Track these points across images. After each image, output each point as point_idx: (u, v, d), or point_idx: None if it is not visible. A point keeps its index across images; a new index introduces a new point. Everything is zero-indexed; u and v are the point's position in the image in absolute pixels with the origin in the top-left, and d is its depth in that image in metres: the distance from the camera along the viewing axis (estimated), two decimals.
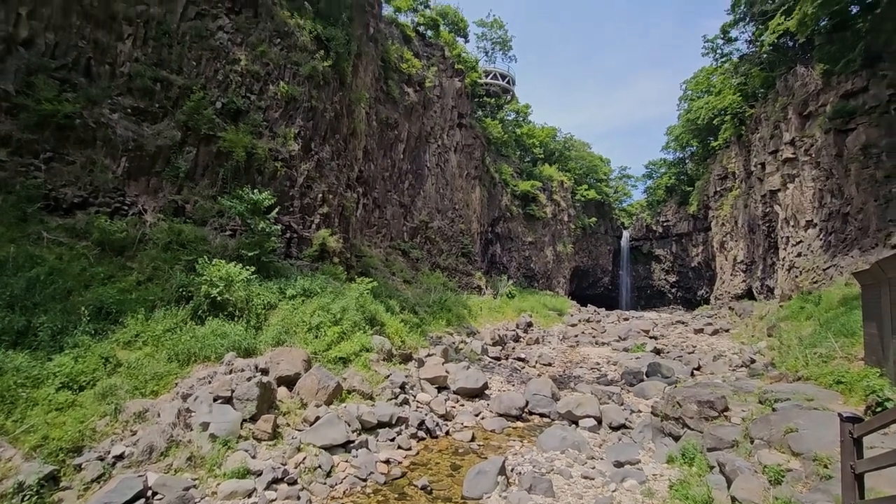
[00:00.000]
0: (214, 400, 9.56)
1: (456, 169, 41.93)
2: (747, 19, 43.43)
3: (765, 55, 39.79)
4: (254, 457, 8.69)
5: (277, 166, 18.14)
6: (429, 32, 42.19)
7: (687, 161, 67.13)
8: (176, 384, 10.11)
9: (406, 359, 15.02)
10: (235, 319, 12.56)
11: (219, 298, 12.27)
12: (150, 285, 12.65)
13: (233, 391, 9.80)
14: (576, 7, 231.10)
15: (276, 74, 19.97)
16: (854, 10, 29.57)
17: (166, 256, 13.63)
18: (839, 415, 4.66)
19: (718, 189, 51.09)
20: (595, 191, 69.62)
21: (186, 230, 14.76)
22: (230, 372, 10.58)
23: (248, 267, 13.59)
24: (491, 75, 56.07)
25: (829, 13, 28.76)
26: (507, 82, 57.63)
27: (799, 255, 31.34)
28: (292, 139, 19.33)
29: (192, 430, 8.89)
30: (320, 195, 19.89)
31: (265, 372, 11.14)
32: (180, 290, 12.41)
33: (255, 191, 15.76)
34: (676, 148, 67.40)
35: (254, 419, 9.63)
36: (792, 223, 32.98)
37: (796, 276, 30.14)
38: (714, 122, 48.89)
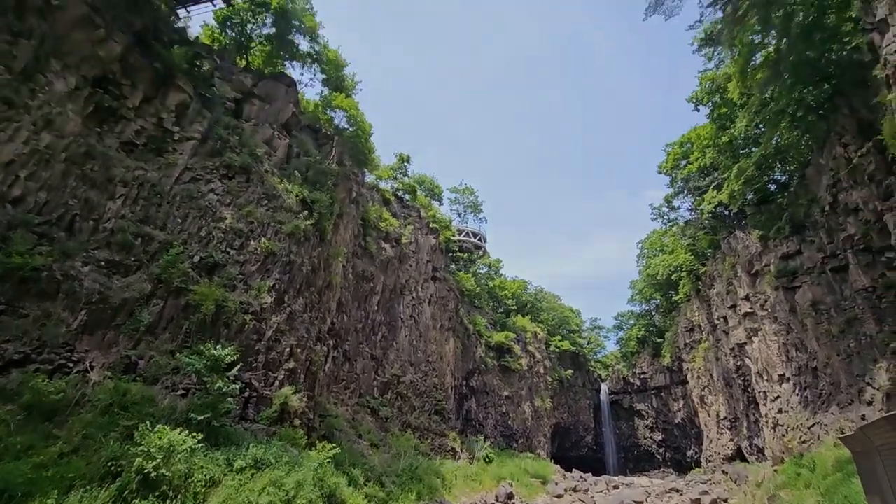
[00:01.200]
0: None
1: (430, 321, 41.99)
2: (685, 192, 50.05)
3: (706, 221, 44.81)
4: None
5: (246, 319, 17.72)
6: (406, 196, 46.45)
7: (654, 313, 69.69)
8: None
9: None
10: (168, 502, 10.69)
11: (153, 475, 10.61)
12: (75, 458, 10.95)
13: None
14: (538, 179, 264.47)
15: (259, 231, 20.90)
16: (773, 187, 34.73)
17: (103, 422, 12.14)
18: None
19: (688, 341, 52.10)
20: (569, 342, 69.91)
21: (133, 390, 13.50)
22: None
23: (195, 434, 12.14)
24: (464, 233, 60.45)
25: (752, 189, 33.56)
26: (479, 240, 61.96)
27: (780, 411, 30.67)
28: (266, 292, 19.32)
29: None
30: (288, 349, 19.12)
31: None
32: (109, 464, 10.74)
33: (219, 346, 15.05)
34: (641, 301, 70.53)
35: None
36: (765, 377, 33.03)
37: (783, 436, 29.00)
38: (672, 277, 52.28)
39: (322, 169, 27.24)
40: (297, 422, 17.58)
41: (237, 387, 15.20)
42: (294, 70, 32.24)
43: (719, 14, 26.10)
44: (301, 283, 21.88)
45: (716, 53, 33.88)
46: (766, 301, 32.43)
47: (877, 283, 22.66)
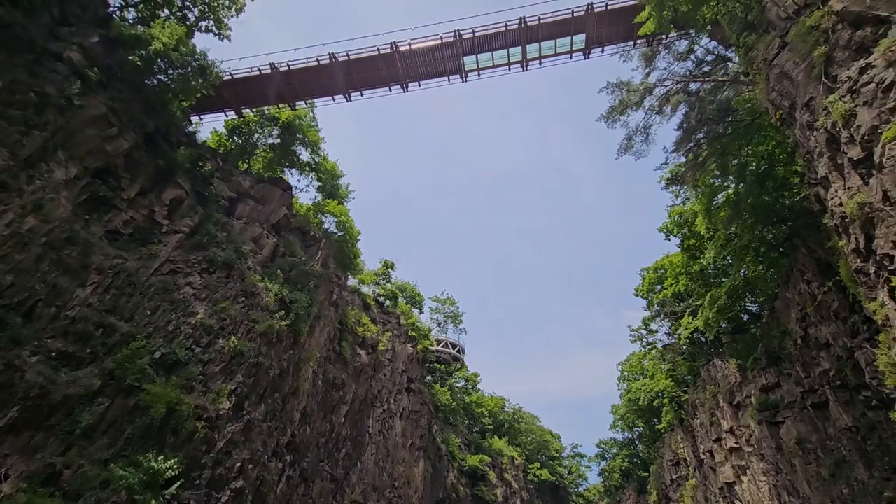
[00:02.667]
0: None
1: (400, 438, 38.95)
2: (662, 316, 50.98)
3: (684, 347, 45.00)
4: None
5: (198, 426, 16.15)
6: (387, 302, 46.24)
7: (637, 442, 66.15)
8: None
9: None
10: None
11: None
12: None
13: None
14: (519, 293, 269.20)
15: (231, 329, 20.11)
16: (746, 317, 35.70)
17: None
18: None
19: (674, 477, 48.74)
20: (548, 471, 64.86)
21: None
22: None
23: None
24: (442, 344, 59.21)
25: (726, 318, 34.38)
26: (458, 351, 60.55)
27: None
28: (226, 396, 17.94)
29: None
30: (239, 464, 17.17)
31: None
32: None
33: (161, 457, 13.45)
34: (624, 428, 67.36)
35: None
36: None
37: None
38: (654, 403, 50.73)
39: (306, 270, 27.34)
40: None
41: None
42: (292, 176, 34.17)
43: (682, 158, 29.25)
44: (265, 388, 20.52)
45: (682, 191, 37.26)
46: (751, 436, 31.28)
47: (859, 423, 22.22)
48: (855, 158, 12.59)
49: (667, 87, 27.94)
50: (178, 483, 13.86)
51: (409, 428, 41.11)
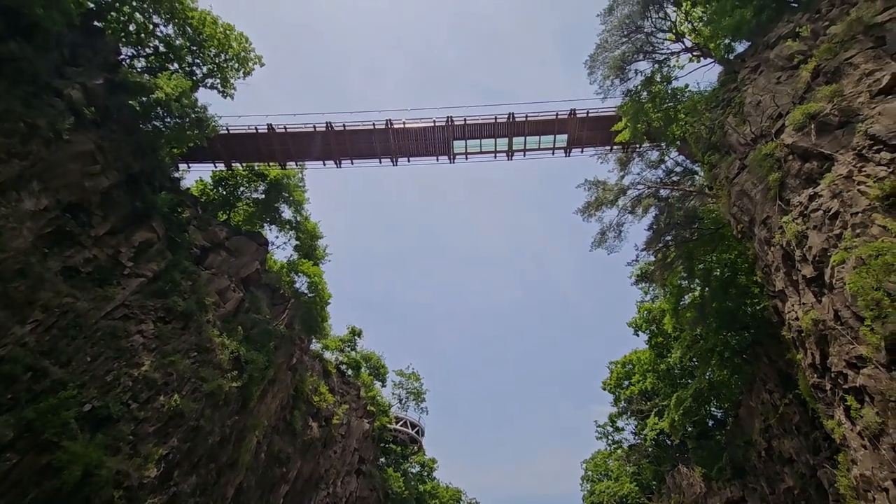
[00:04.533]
0: None
1: None
2: (628, 413, 50.04)
3: (650, 448, 43.73)
4: None
5: (115, 496, 14.36)
6: (349, 371, 44.30)
7: None
8: None
9: None
10: None
11: None
12: None
13: None
14: (484, 377, 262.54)
15: (175, 386, 18.70)
16: (711, 423, 35.30)
17: None
18: None
19: None
20: None
21: None
22: None
23: None
24: (402, 422, 56.11)
25: (691, 421, 33.93)
26: (417, 433, 57.30)
27: None
28: (154, 462, 16.21)
29: None
30: None
31: None
32: None
33: None
34: None
35: None
36: None
37: None
38: None
39: (269, 329, 26.29)
40: None
41: None
42: (271, 232, 33.97)
43: (652, 257, 30.54)
44: (201, 457, 18.71)
45: (651, 289, 38.42)
46: None
47: None
48: (808, 276, 13.35)
49: (639, 190, 29.92)
50: None
51: None
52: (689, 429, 34.61)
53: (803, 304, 13.78)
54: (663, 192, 30.16)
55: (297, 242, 35.11)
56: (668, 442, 40.84)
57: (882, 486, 9.87)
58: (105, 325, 17.86)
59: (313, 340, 38.07)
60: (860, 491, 10.91)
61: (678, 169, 30.37)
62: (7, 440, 13.23)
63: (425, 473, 59.76)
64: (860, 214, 11.91)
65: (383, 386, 52.92)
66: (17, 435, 13.49)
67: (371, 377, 49.10)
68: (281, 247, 36.75)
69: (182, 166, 30.95)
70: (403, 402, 61.63)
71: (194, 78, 25.58)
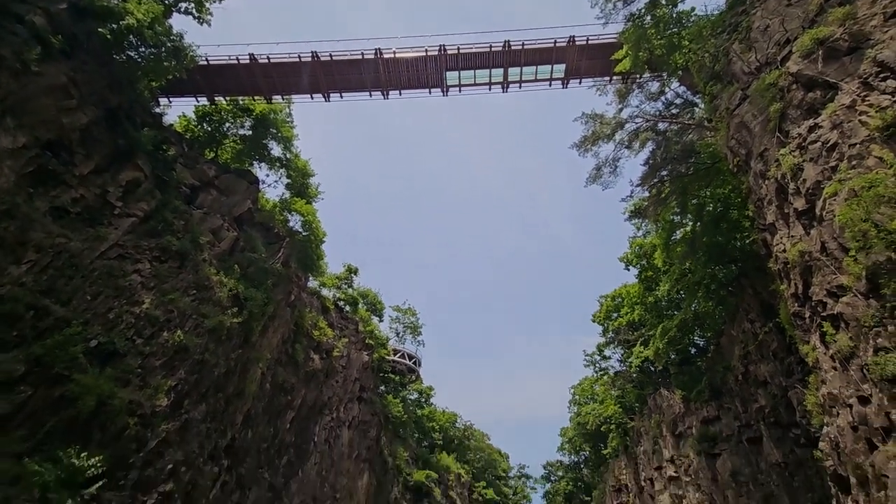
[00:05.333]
0: None
1: (346, 448, 37.97)
2: (615, 343, 52.44)
3: (634, 374, 46.35)
4: None
5: (130, 423, 15.19)
6: (347, 308, 45.43)
7: (583, 466, 67.13)
8: None
9: None
10: None
11: None
12: None
13: None
14: (480, 311, 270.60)
15: (178, 322, 19.16)
16: (693, 351, 37.22)
17: None
18: None
19: (616, 503, 49.66)
20: (493, 490, 64.74)
21: None
22: None
23: None
24: (399, 354, 58.55)
25: (675, 349, 35.73)
26: (414, 363, 60.01)
27: None
28: (164, 392, 17.00)
29: None
30: (171, 466, 16.24)
31: None
32: None
33: (83, 454, 12.54)
34: (571, 451, 68.29)
35: None
36: None
37: None
38: (602, 428, 51.75)
39: (265, 267, 26.54)
40: None
41: None
42: (260, 170, 33.21)
43: (646, 193, 30.50)
44: (208, 387, 19.61)
45: (643, 224, 38.77)
46: (689, 466, 32.35)
47: (788, 459, 23.41)
48: (799, 209, 13.48)
49: (637, 123, 29.21)
50: (100, 483, 12.92)
51: (357, 438, 40.18)
52: (673, 356, 36.52)
53: (792, 236, 14.03)
54: (661, 126, 29.50)
55: (289, 181, 34.47)
56: (652, 368, 43.21)
57: (847, 403, 10.65)
58: (101, 265, 17.93)
59: (310, 278, 38.62)
60: (826, 407, 11.79)
61: (678, 101, 29.50)
62: (18, 374, 13.73)
63: (423, 400, 63.46)
64: (858, 146, 11.81)
65: (381, 321, 54.62)
66: (27, 370, 13.98)
67: (368, 313, 50.47)
68: (272, 185, 36.16)
69: (163, 101, 29.57)
70: (401, 335, 63.97)
71: (166, 2, 23.71)
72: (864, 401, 10.22)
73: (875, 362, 9.68)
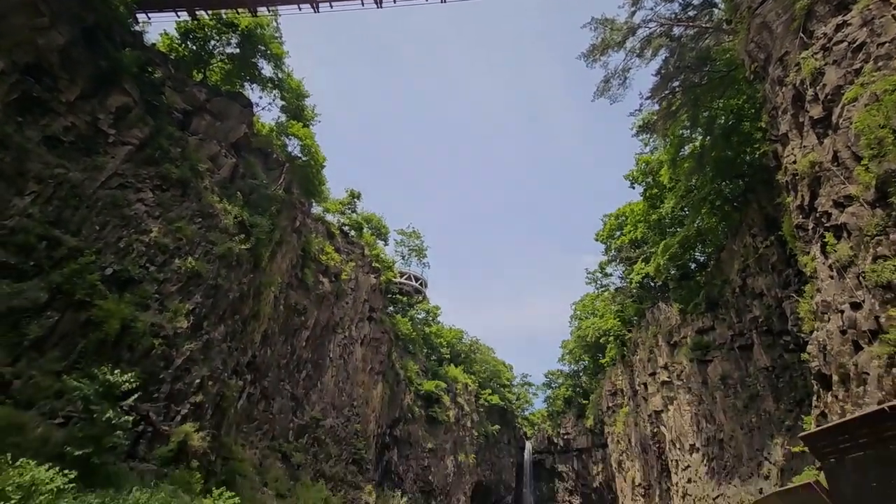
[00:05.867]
0: None
1: (360, 362, 40.47)
2: (618, 261, 53.37)
3: (634, 290, 47.75)
4: None
5: (155, 343, 16.12)
6: (352, 232, 45.86)
7: (581, 374, 71.67)
8: None
9: None
10: None
11: None
12: None
13: None
14: (484, 231, 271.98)
15: (187, 250, 19.55)
16: (693, 266, 37.95)
17: None
18: None
19: (611, 405, 53.71)
20: (498, 396, 69.74)
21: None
22: None
23: (67, 471, 10.51)
24: (405, 276, 60.13)
25: (675, 265, 36.42)
26: (420, 284, 61.82)
27: (689, 480, 31.86)
28: (183, 315, 17.82)
29: None
30: (198, 380, 17.48)
31: None
32: None
33: (117, 371, 13.47)
34: (571, 361, 72.51)
35: None
36: (678, 446, 34.45)
37: None
38: (601, 340, 54.47)
39: (267, 194, 26.43)
40: (195, 463, 15.80)
41: (130, 419, 13.52)
42: (253, 92, 31.74)
43: (656, 107, 29.22)
44: (225, 310, 20.47)
45: (651, 140, 37.61)
46: (682, 371, 34.43)
47: (776, 363, 24.85)
48: (815, 118, 12.97)
49: (650, 28, 27.17)
50: (136, 395, 14.03)
51: (370, 354, 42.65)
52: (672, 272, 37.31)
53: (804, 146, 13.66)
54: (676, 31, 27.43)
55: (283, 103, 33.06)
56: (652, 284, 44.38)
57: (839, 309, 11.07)
58: (104, 195, 17.92)
59: (313, 204, 38.57)
60: (818, 314, 12.27)
61: (696, 2, 27.13)
62: (43, 301, 14.36)
63: (430, 318, 66.30)
64: (887, 45, 11.06)
65: (386, 245, 55.41)
66: (50, 297, 14.59)
67: (374, 237, 51.04)
68: (266, 108, 34.64)
69: (141, 17, 27.51)
70: (406, 258, 65.24)
71: None
72: (855, 306, 10.60)
73: (872, 269, 9.89)
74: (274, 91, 32.30)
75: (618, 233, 51.13)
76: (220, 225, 21.70)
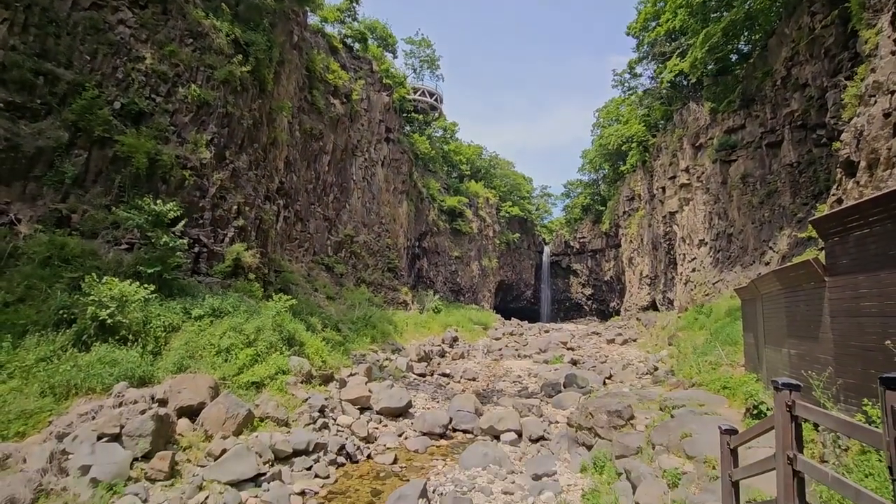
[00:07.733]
0: (98, 438, 8.40)
1: (383, 183, 41.62)
2: (649, 58, 48.30)
3: (664, 91, 44.39)
4: (145, 500, 7.73)
5: (186, 175, 16.75)
6: (356, 45, 41.84)
7: (600, 182, 72.52)
8: (50, 422, 8.77)
9: (327, 380, 14.37)
10: (129, 344, 11.23)
11: (109, 321, 10.91)
12: (22, 307, 10.95)
13: (122, 427, 8.69)
14: (501, 40, 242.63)
15: (187, 77, 18.57)
16: (734, 58, 34.21)
17: (44, 273, 11.90)
18: (719, 427, 5.13)
19: (627, 209, 55.63)
20: (518, 207, 72.70)
21: (72, 243, 13.04)
22: (120, 405, 9.40)
23: (146, 285, 12.28)
24: (419, 92, 56.80)
25: (714, 58, 32.89)
26: (435, 100, 58.72)
27: (694, 270, 34.86)
28: (204, 146, 17.99)
29: (68, 475, 7.71)
30: (235, 206, 18.66)
31: (163, 403, 10.04)
32: (61, 312, 10.86)
33: (159, 201, 14.40)
34: (591, 170, 72.62)
35: (147, 457, 8.60)
36: (687, 242, 36.70)
37: (692, 290, 33.45)
38: (623, 148, 53.38)
39: (255, 3, 23.48)
40: (251, 276, 18.06)
41: (185, 242, 15.03)
42: None
43: None
44: (243, 139, 20.46)
45: None
46: (703, 173, 34.36)
47: (802, 159, 24.36)
48: None
49: None
50: (183, 222, 15.28)
51: (391, 175, 43.51)
52: (710, 66, 33.90)
53: None
54: None
55: None
56: (685, 82, 40.90)
57: (891, 90, 10.22)
58: (80, 18, 16.33)
59: (308, 13, 34.38)
60: (865, 97, 11.42)
61: None
62: (66, 140, 14.58)
63: (448, 136, 65.05)
64: None
65: (395, 57, 50.91)
66: (71, 136, 14.74)
67: (380, 49, 46.63)
68: None
69: None
70: (418, 71, 60.63)
71: None
72: None
73: None
74: None
75: (653, 23, 44.90)
76: (213, 46, 20.01)
